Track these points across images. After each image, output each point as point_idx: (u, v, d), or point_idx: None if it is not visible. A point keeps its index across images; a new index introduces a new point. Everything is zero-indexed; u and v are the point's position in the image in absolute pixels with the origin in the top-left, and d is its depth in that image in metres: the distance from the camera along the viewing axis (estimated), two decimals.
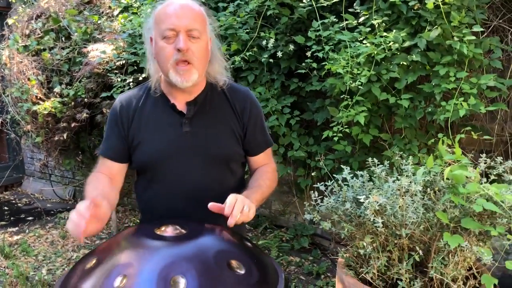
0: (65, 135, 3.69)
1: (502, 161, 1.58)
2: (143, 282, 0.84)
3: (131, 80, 3.30)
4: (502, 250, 1.54)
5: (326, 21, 2.66)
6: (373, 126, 2.64)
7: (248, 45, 2.95)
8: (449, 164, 1.50)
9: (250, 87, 2.90)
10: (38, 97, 3.78)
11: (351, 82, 2.38)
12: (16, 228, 4.39)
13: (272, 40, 2.81)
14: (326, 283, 3.08)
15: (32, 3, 4.70)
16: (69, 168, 5.21)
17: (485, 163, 1.57)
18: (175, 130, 1.39)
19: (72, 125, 3.64)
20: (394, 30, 2.43)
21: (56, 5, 4.20)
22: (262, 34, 2.88)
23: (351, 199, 1.56)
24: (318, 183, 1.65)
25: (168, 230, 1.02)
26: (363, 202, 1.44)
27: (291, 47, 2.85)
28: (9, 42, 4.10)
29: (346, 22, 2.61)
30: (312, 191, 1.60)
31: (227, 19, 2.97)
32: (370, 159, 1.66)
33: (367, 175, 1.62)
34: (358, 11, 2.61)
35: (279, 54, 2.86)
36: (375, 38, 2.42)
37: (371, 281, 1.48)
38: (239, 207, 1.15)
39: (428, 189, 1.50)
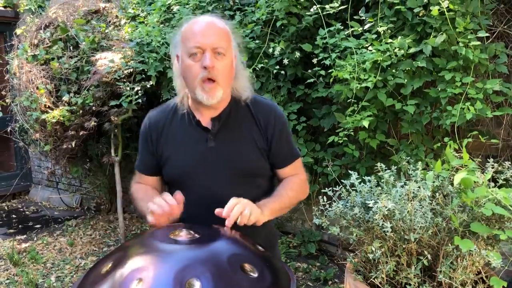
0: (73, 143, 3.72)
1: (510, 165, 1.59)
2: (159, 285, 0.86)
3: (139, 88, 3.34)
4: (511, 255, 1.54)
5: (332, 28, 2.69)
6: (380, 132, 2.65)
7: (255, 53, 2.98)
8: (457, 169, 1.51)
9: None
10: (47, 106, 3.82)
11: (357, 86, 2.40)
12: (24, 236, 4.42)
13: (278, 48, 2.84)
14: None
15: (40, 13, 4.77)
16: (77, 176, 5.25)
17: (492, 167, 1.57)
18: (200, 145, 1.43)
19: (80, 133, 3.67)
20: (400, 37, 2.45)
21: (64, 15, 4.26)
22: (271, 44, 2.91)
23: (359, 204, 1.57)
24: (325, 189, 1.66)
25: (182, 234, 1.04)
26: (372, 207, 1.45)
27: (297, 54, 2.88)
28: (18, 51, 4.15)
29: (352, 29, 2.63)
30: (320, 196, 1.61)
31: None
32: (378, 164, 1.67)
33: (375, 180, 1.63)
34: (364, 18, 2.63)
35: (286, 61, 2.89)
36: (381, 45, 2.44)
37: (379, 286, 1.49)
38: (238, 209, 1.20)
39: (436, 194, 1.51)
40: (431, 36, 2.38)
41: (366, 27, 2.64)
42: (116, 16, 4.19)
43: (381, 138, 2.62)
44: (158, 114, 1.53)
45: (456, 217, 1.36)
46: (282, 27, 3.01)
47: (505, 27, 2.60)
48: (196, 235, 1.04)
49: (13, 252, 3.74)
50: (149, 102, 4.21)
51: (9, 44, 5.24)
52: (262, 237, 1.49)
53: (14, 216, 5.18)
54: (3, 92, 4.65)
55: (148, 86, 3.35)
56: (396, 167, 1.75)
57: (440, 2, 2.30)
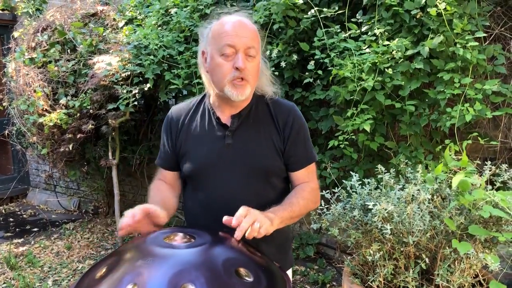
0: (70, 146, 3.71)
1: (507, 168, 1.58)
2: None
3: (136, 91, 3.33)
4: (509, 257, 1.54)
5: (330, 29, 2.69)
6: (379, 134, 2.65)
7: None
8: (455, 172, 1.50)
9: None
10: (44, 109, 3.81)
11: (356, 87, 2.40)
12: (22, 239, 4.40)
13: (276, 50, 2.84)
14: None
15: (38, 16, 4.76)
16: (74, 179, 5.23)
17: (490, 170, 1.57)
18: (218, 142, 1.43)
19: (78, 136, 3.66)
20: (397, 39, 2.45)
21: (61, 18, 4.25)
22: (268, 46, 2.91)
23: (359, 206, 1.57)
24: (323, 191, 1.65)
25: (177, 239, 1.03)
26: (371, 210, 1.45)
27: (295, 57, 2.88)
28: (16, 54, 4.14)
29: (350, 32, 2.63)
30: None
31: None
32: (379, 166, 1.67)
33: (374, 182, 1.63)
34: (361, 21, 2.63)
35: (283, 64, 2.88)
36: (378, 47, 2.44)
37: None
38: (248, 222, 1.15)
39: (434, 197, 1.50)
40: (429, 38, 2.38)
41: (363, 29, 2.64)
42: (114, 19, 4.19)
43: (380, 141, 2.61)
44: (179, 109, 1.55)
45: (451, 221, 1.35)
46: (280, 30, 3.01)
47: (502, 29, 2.60)
48: (191, 239, 1.04)
49: (10, 256, 3.72)
50: (147, 105, 4.21)
51: (6, 47, 5.23)
52: (276, 243, 1.50)
53: (11, 219, 5.16)
54: (0, 95, 4.64)
55: (146, 89, 3.34)
56: (395, 169, 1.74)
57: (438, 3, 2.30)
